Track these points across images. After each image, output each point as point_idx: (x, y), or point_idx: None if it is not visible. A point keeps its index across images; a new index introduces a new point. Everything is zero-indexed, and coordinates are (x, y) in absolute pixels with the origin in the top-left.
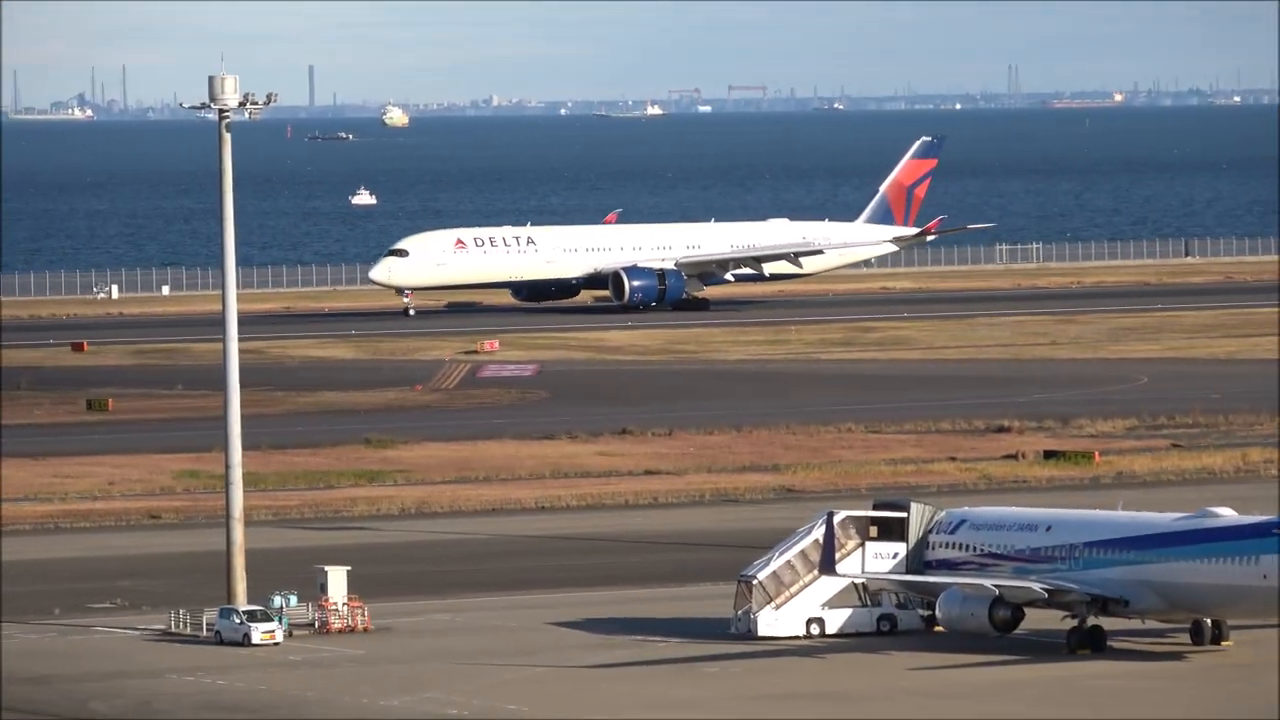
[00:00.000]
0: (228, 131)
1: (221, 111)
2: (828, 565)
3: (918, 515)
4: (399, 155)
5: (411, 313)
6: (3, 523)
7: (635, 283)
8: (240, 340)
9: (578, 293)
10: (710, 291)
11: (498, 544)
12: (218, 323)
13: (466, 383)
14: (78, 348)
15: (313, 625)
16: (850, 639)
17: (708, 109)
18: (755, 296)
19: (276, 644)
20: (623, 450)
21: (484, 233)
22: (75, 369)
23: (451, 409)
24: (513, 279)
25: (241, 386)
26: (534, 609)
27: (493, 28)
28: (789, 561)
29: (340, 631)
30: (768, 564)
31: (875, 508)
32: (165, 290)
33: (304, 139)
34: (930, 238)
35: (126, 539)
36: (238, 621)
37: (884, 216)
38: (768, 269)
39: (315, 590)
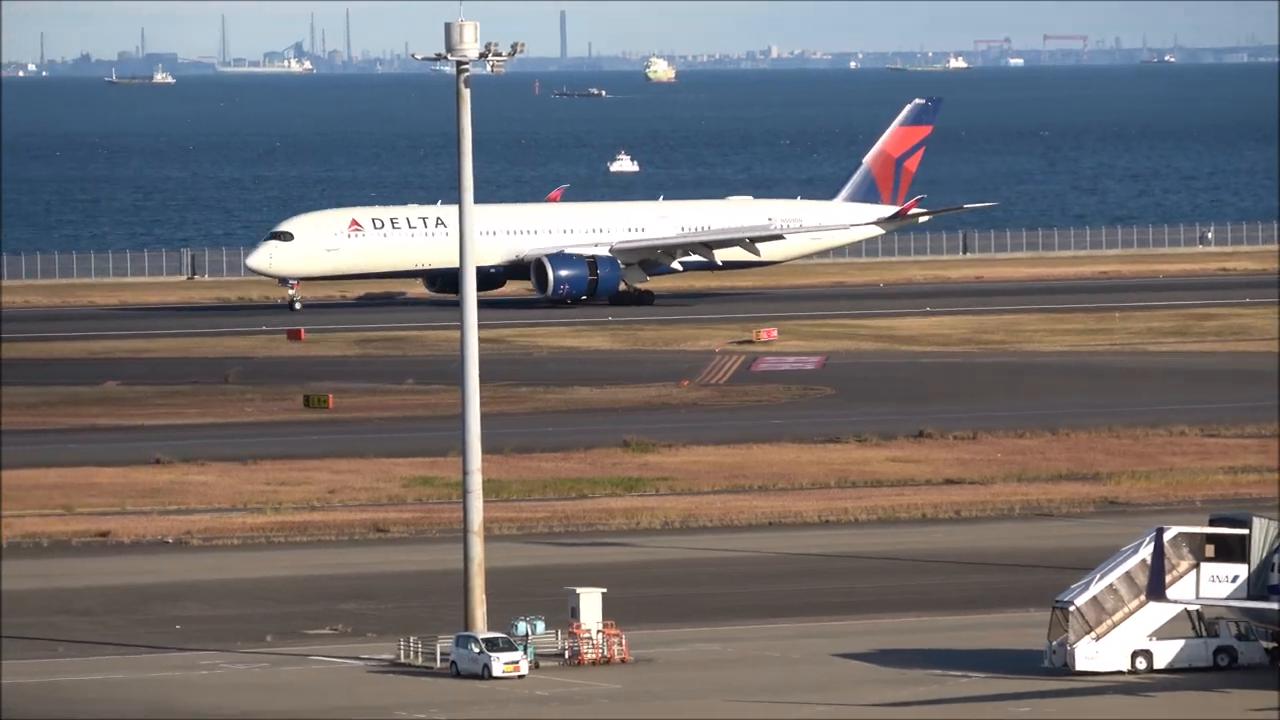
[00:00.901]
0: (467, 87)
1: (460, 64)
2: (1156, 590)
3: (1261, 532)
4: (663, 114)
5: (298, 306)
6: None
7: (560, 272)
8: (481, 328)
9: (500, 283)
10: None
11: (775, 563)
12: (454, 307)
13: (740, 377)
14: (294, 335)
15: (562, 655)
16: (1182, 675)
17: (1019, 61)
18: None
19: (521, 677)
20: (919, 456)
21: (385, 213)
22: (291, 360)
23: (722, 407)
24: (419, 267)
25: (482, 381)
26: (817, 638)
27: None
28: (1111, 585)
29: (594, 663)
30: (1087, 588)
31: (1212, 523)
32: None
33: (551, 95)
34: (924, 219)
35: (349, 555)
36: (476, 651)
37: (868, 194)
38: (720, 256)
39: (565, 615)
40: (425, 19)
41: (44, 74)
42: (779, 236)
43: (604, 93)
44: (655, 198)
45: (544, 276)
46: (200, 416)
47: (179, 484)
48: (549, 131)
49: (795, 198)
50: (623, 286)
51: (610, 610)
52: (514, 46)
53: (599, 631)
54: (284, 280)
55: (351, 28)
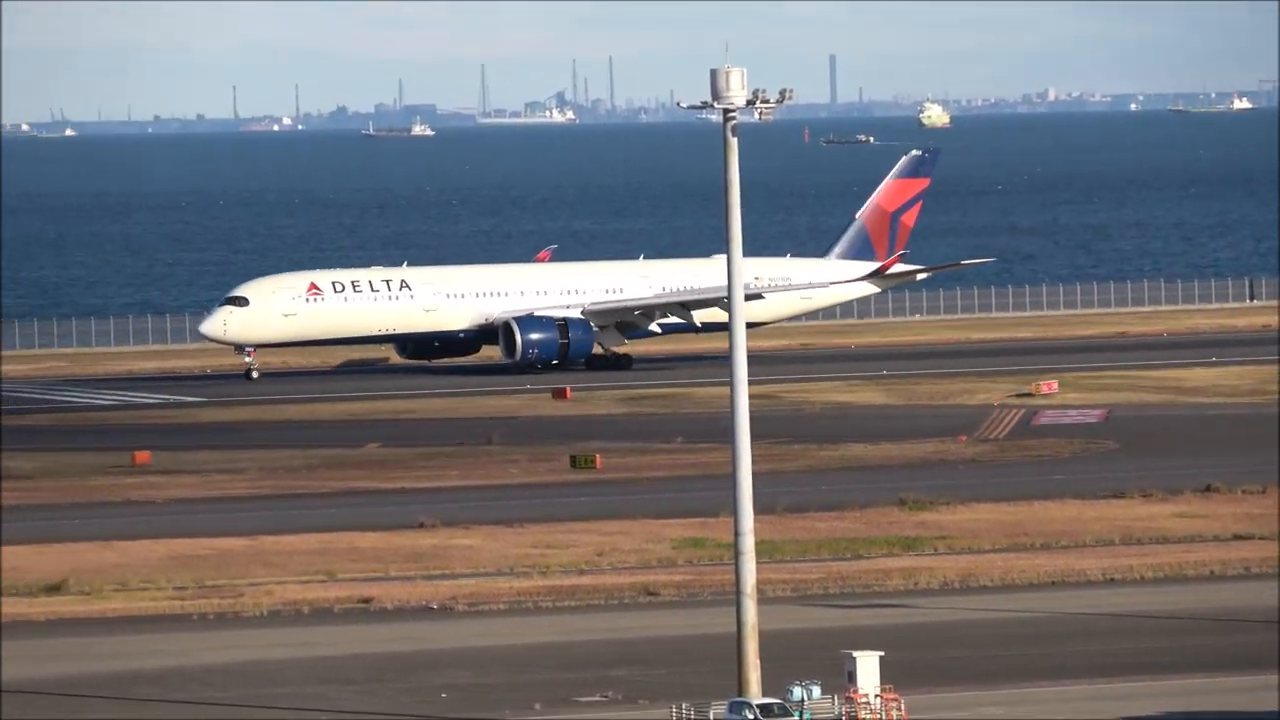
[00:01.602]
0: (734, 135)
1: (726, 111)
2: None
3: None
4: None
5: (255, 375)
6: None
7: (529, 336)
8: (751, 383)
9: (472, 348)
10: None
11: (1058, 623)
12: (723, 362)
13: (1020, 431)
14: (560, 394)
15: None
16: None
17: None
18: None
19: None
20: (1207, 511)
21: (346, 275)
22: (556, 419)
23: (1001, 463)
24: (383, 332)
25: (753, 438)
26: (1105, 700)
27: (1038, 5)
28: None
29: None
30: None
31: None
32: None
33: (820, 143)
34: (921, 276)
35: (619, 619)
36: (751, 717)
37: (862, 250)
38: (701, 317)
39: (842, 680)
40: (690, 66)
41: (300, 127)
42: (757, 296)
43: (871, 139)
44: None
45: (512, 341)
46: (464, 478)
47: (443, 548)
48: (817, 179)
49: (784, 254)
50: (599, 350)
51: (888, 674)
52: (782, 93)
53: (877, 696)
54: (239, 348)
55: (615, 75)
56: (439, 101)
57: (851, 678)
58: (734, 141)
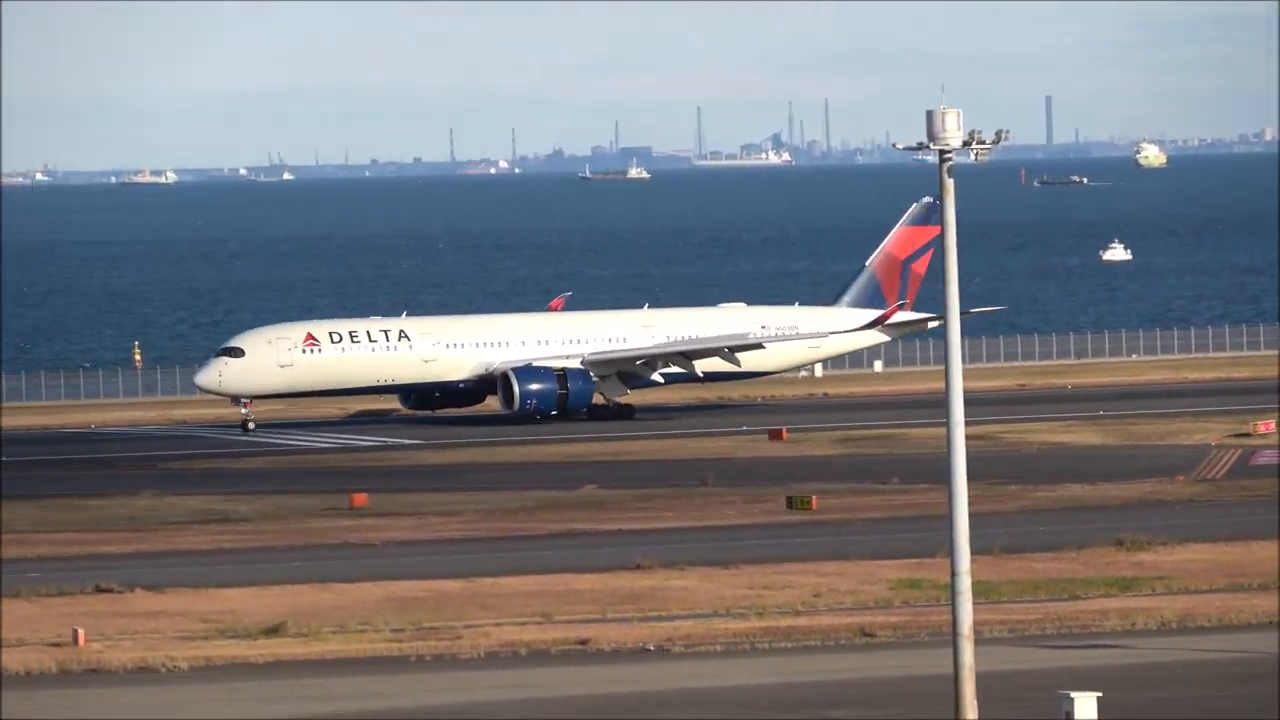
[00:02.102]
0: (950, 177)
1: (942, 153)
2: None
3: None
4: (1147, 203)
5: (251, 426)
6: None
7: (528, 386)
8: (967, 424)
9: (474, 399)
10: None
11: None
12: (938, 404)
13: (1237, 471)
14: (775, 435)
15: None
16: None
17: None
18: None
19: None
20: None
21: (344, 326)
22: (771, 460)
23: (1219, 503)
24: (382, 383)
25: (970, 479)
26: None
27: (1255, 48)
28: None
29: None
30: None
31: None
32: (877, 366)
33: (1034, 184)
34: (932, 324)
35: (835, 661)
36: None
37: (873, 298)
38: (703, 366)
39: None
40: (906, 107)
41: (517, 170)
42: (758, 345)
43: (1084, 180)
44: (1115, 288)
45: (510, 391)
46: (680, 519)
47: (659, 589)
48: (1030, 219)
49: (793, 303)
50: (601, 400)
51: (1106, 715)
52: (998, 134)
53: None
54: (236, 399)
55: (831, 117)
56: (655, 144)
57: (1069, 719)
58: (950, 183)
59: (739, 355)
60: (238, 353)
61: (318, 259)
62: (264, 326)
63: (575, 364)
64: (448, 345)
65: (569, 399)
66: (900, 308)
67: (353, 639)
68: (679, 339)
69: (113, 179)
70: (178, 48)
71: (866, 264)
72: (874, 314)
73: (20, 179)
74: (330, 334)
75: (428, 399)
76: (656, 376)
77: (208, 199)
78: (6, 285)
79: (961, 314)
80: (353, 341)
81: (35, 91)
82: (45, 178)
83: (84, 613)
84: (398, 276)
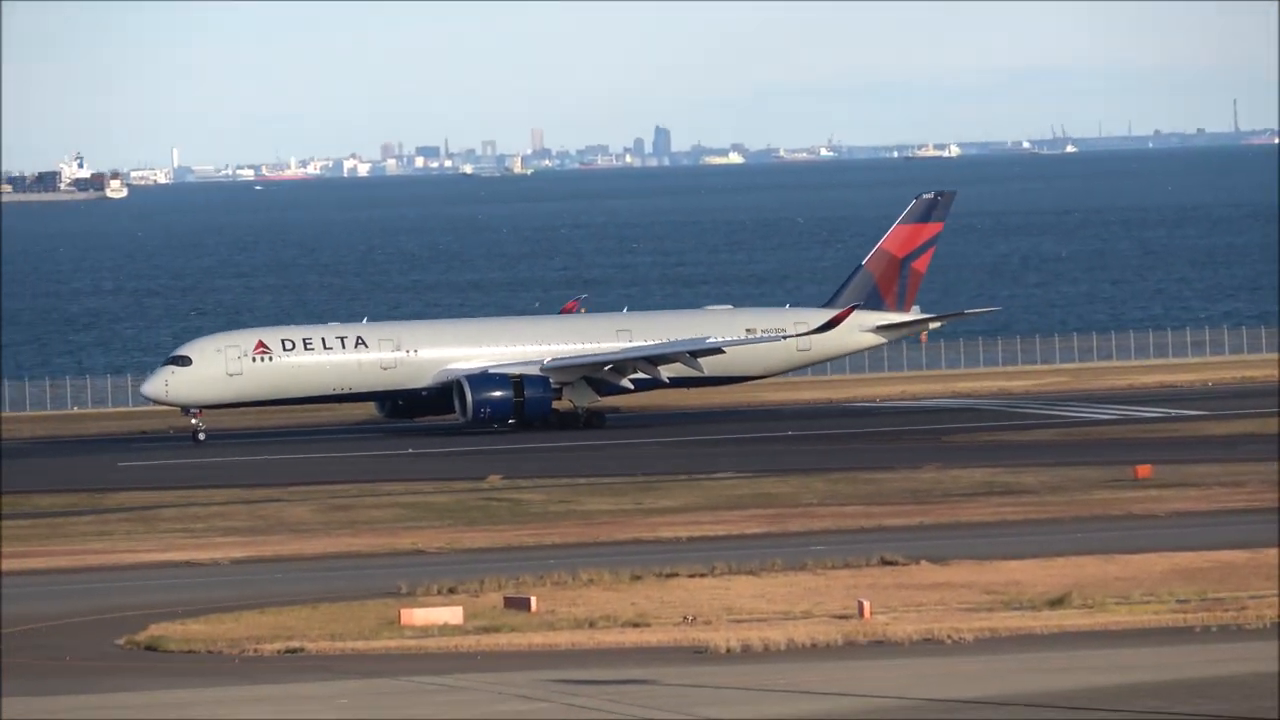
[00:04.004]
0: None
1: None
2: None
3: None
4: None
5: (201, 437)
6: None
7: (481, 394)
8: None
9: (439, 407)
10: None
11: None
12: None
13: None
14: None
15: None
16: None
17: None
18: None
19: None
20: None
21: (298, 333)
22: None
23: None
24: (338, 391)
25: None
26: None
27: None
28: None
29: None
30: None
31: None
32: (626, 382)
33: None
34: (934, 325)
35: None
36: None
37: (869, 299)
38: (666, 372)
39: None
40: None
41: None
42: (718, 350)
43: None
44: None
45: (464, 399)
46: None
47: None
48: None
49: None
50: (570, 407)
51: None
52: None
53: None
54: (185, 409)
55: None
56: None
57: None
58: None
59: (736, 360)
60: (185, 361)
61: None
62: (214, 334)
63: (534, 371)
64: (407, 351)
65: (525, 407)
66: (855, 309)
67: (1137, 610)
68: (652, 344)
69: (895, 154)
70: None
71: (863, 263)
72: (870, 315)
73: (805, 153)
74: (283, 341)
75: (410, 406)
76: (626, 383)
77: (984, 173)
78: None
79: (955, 315)
80: (306, 349)
81: (815, 74)
82: (830, 153)
83: (869, 585)
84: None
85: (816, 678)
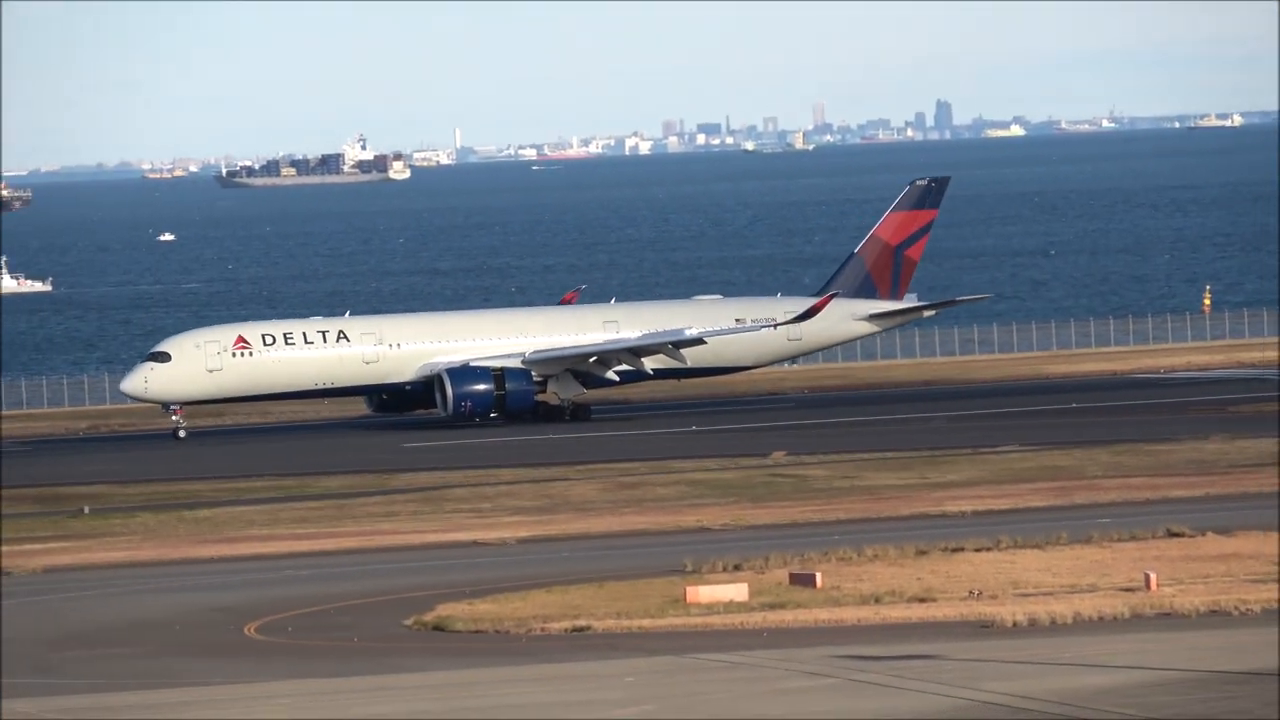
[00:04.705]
0: None
1: None
2: None
3: None
4: None
5: (182, 434)
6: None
7: (462, 387)
8: None
9: (424, 401)
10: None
11: None
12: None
13: None
14: None
15: None
16: None
17: None
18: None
19: None
20: None
21: (279, 328)
22: None
23: None
24: (320, 386)
25: None
26: None
27: None
28: None
29: None
30: None
31: None
32: (611, 374)
33: None
34: (928, 313)
35: None
36: None
37: (862, 288)
38: (649, 364)
39: None
40: None
41: None
42: (699, 341)
43: None
44: None
45: (444, 393)
46: None
47: None
48: None
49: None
50: (556, 401)
51: None
52: None
53: None
54: (165, 406)
55: None
56: None
57: None
58: None
59: (726, 351)
60: (164, 357)
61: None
62: (194, 330)
63: (515, 364)
64: (389, 346)
65: (507, 400)
66: (833, 297)
67: None
68: (633, 336)
69: (1176, 124)
70: None
71: (855, 251)
72: (862, 305)
73: (1087, 124)
74: (263, 336)
75: (390, 401)
76: (611, 375)
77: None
78: None
79: (948, 303)
80: (287, 344)
81: (1097, 42)
82: (1111, 124)
83: (1155, 557)
84: None
85: (1103, 651)
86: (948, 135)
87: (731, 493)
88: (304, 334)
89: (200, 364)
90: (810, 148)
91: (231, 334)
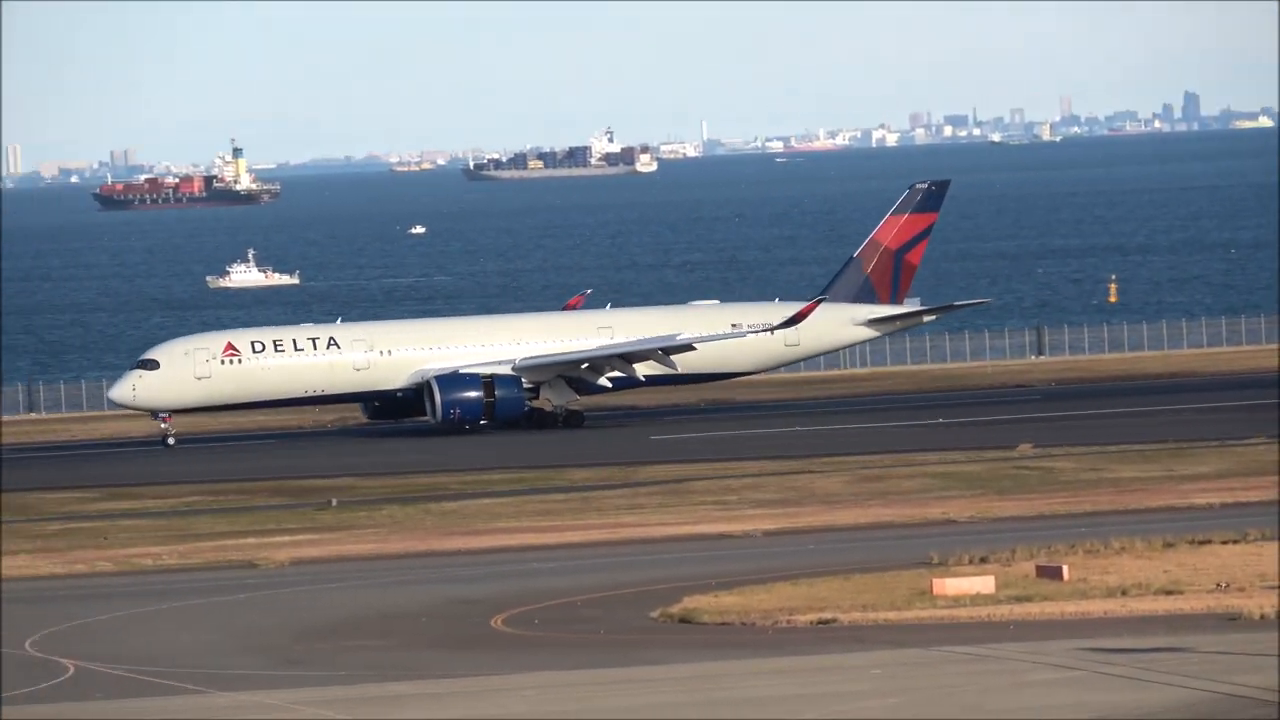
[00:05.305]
0: None
1: None
2: None
3: None
4: None
5: (171, 442)
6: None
7: (451, 395)
8: None
9: (414, 408)
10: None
11: None
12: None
13: None
14: None
15: None
16: None
17: None
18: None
19: None
20: None
21: (268, 334)
22: None
23: None
24: (311, 393)
25: None
26: None
27: None
28: None
29: None
30: None
31: None
32: (603, 381)
33: None
34: (928, 318)
35: None
36: None
37: (861, 292)
38: (641, 370)
39: None
40: None
41: None
42: (689, 347)
43: None
44: None
45: (433, 400)
46: None
47: None
48: None
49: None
50: (549, 407)
51: None
52: None
53: None
54: (154, 414)
55: None
56: None
57: None
58: None
59: (722, 356)
60: (152, 365)
61: None
62: (183, 337)
63: (505, 370)
64: (380, 352)
65: (496, 407)
66: (820, 302)
67: None
68: (623, 342)
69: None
70: None
71: (854, 255)
72: (860, 309)
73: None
74: (253, 343)
75: (386, 408)
76: (604, 381)
77: None
78: None
79: (945, 307)
80: (276, 351)
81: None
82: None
83: None
84: None
85: None
86: (1195, 126)
87: (977, 485)
88: (294, 341)
89: (189, 371)
90: (1057, 139)
91: (221, 341)
